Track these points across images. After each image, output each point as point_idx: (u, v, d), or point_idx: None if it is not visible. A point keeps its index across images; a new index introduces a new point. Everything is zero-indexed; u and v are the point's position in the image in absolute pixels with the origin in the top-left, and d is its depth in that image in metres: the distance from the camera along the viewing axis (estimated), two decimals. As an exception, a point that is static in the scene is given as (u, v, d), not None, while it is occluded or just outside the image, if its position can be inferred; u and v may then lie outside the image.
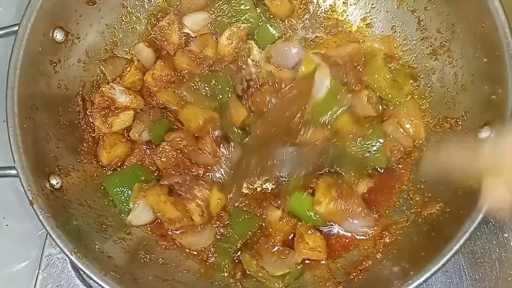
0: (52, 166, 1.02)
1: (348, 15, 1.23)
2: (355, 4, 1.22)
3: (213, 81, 1.16)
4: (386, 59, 1.14)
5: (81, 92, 1.14)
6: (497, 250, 1.11)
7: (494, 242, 1.11)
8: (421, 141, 1.12)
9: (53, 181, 1.01)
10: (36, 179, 0.96)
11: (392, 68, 1.14)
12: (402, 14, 1.16)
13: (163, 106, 1.17)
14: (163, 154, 1.10)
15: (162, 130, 1.13)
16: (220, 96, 1.16)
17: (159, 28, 1.19)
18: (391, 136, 1.11)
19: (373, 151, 1.09)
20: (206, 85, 1.15)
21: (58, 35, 1.06)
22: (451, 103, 1.08)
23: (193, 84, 1.15)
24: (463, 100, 1.06)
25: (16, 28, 0.99)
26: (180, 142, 1.10)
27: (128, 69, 1.18)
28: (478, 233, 1.11)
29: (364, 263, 1.05)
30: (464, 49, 1.05)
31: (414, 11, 1.14)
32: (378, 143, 1.09)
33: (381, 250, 1.06)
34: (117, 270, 0.97)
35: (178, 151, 1.10)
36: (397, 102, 1.13)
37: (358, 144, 1.09)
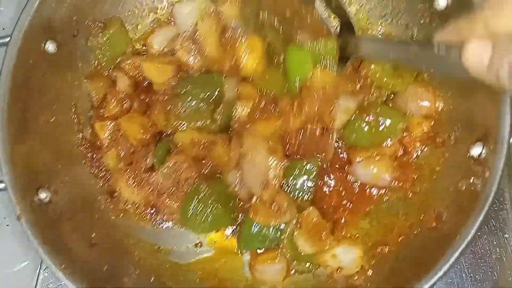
0: (42, 180, 1.01)
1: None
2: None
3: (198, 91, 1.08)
4: None
5: (75, 104, 1.14)
6: (498, 251, 1.10)
7: (495, 243, 1.10)
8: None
9: (42, 195, 1.00)
10: (24, 192, 0.96)
11: None
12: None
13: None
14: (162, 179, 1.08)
15: (164, 152, 1.09)
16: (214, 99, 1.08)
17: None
18: (408, 112, 1.08)
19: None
20: (191, 100, 1.07)
21: (50, 47, 1.05)
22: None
23: (178, 108, 1.07)
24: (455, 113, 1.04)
25: (7, 39, 0.98)
26: (183, 164, 1.06)
27: (111, 98, 1.14)
28: (479, 233, 1.07)
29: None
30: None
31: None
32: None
33: (382, 254, 1.06)
34: (105, 285, 0.96)
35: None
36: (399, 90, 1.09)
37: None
